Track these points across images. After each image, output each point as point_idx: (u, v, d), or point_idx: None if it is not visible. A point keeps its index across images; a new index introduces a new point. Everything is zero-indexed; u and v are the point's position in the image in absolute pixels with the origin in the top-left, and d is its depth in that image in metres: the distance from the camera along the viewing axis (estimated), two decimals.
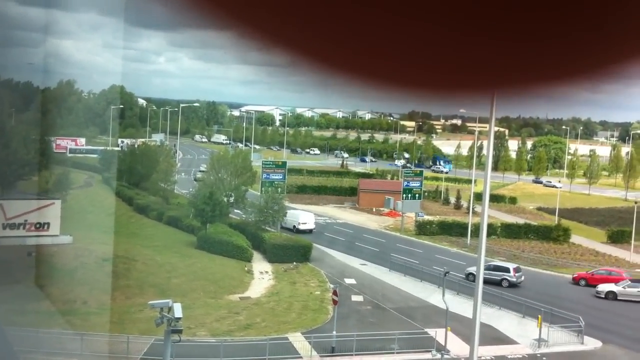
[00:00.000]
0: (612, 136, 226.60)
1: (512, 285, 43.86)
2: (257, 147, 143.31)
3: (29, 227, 42.94)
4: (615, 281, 43.94)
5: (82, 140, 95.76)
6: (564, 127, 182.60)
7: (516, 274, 44.85)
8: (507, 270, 45.27)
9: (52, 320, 31.31)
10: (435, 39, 0.96)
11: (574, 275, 47.67)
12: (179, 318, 22.18)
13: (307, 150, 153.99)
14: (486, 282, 32.58)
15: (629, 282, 43.38)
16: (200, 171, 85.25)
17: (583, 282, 46.26)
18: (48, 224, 42.95)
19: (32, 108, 79.03)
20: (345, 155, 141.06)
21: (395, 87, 1.11)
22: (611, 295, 42.58)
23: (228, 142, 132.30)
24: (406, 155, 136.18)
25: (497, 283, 43.32)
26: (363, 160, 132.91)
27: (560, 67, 1.02)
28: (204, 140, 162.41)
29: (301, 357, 30.62)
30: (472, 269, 40.56)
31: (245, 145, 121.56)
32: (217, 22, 1.14)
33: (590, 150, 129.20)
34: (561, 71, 1.03)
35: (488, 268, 41.10)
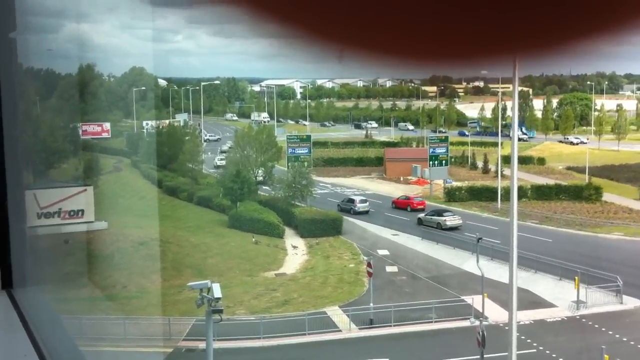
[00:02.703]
0: (638, 89, 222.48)
1: (358, 213, 54.76)
2: (290, 121, 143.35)
3: (63, 214, 43.45)
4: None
5: (107, 125, 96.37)
6: (588, 82, 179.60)
7: (359, 204, 56.17)
8: (353, 201, 57.26)
9: (93, 306, 31.90)
10: (451, 10, 0.96)
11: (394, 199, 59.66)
12: (219, 298, 22.47)
13: (331, 123, 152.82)
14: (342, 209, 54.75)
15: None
16: (220, 158, 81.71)
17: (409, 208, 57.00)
18: (82, 210, 43.33)
19: (55, 95, 79.72)
20: (375, 124, 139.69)
21: (412, 61, 1.07)
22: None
23: (267, 120, 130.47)
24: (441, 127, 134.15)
25: (348, 211, 55.08)
26: (403, 129, 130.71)
27: (582, 23, 1.01)
28: (235, 118, 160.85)
29: (340, 331, 30.91)
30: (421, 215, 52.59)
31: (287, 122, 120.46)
32: None
33: (617, 105, 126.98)
34: (584, 26, 1.01)
35: (343, 201, 57.84)
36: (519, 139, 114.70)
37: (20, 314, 4.11)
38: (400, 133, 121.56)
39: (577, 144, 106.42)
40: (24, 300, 4.34)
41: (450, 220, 50.25)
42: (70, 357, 3.97)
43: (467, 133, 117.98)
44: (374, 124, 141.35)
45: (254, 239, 46.49)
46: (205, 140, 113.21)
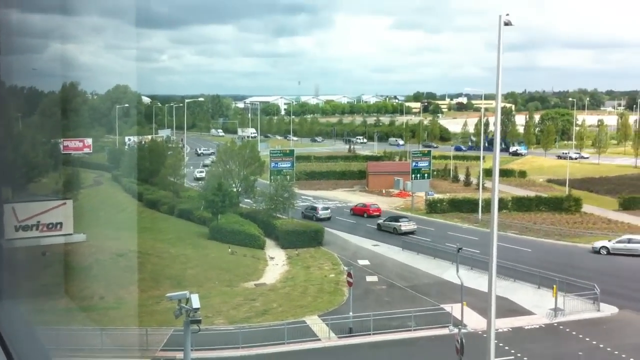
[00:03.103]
0: (620, 105, 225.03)
1: (320, 219, 57.36)
2: (279, 137, 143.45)
3: (41, 227, 43.26)
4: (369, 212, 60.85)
5: (89, 141, 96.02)
6: (570, 98, 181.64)
7: (321, 212, 59.45)
8: (315, 209, 60.38)
9: (71, 317, 31.59)
10: None
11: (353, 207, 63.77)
12: (197, 308, 22.33)
13: (318, 138, 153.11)
14: (305, 216, 58.41)
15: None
16: (199, 171, 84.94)
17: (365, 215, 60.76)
18: (61, 223, 43.25)
19: (37, 112, 79.35)
20: (363, 140, 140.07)
21: None
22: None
23: (254, 135, 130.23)
24: (435, 141, 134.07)
25: (310, 217, 58.25)
26: (393, 144, 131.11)
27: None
28: (221, 134, 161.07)
29: (320, 340, 30.79)
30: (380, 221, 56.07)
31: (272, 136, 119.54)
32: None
33: (598, 120, 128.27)
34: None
35: (307, 208, 60.85)
36: (516, 154, 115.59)
37: None
38: (391, 148, 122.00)
39: (577, 158, 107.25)
40: None
41: (405, 226, 53.56)
42: None
43: (463, 148, 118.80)
44: (363, 139, 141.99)
45: (229, 250, 46.44)
46: (199, 154, 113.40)
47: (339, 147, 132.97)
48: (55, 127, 70.13)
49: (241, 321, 32.53)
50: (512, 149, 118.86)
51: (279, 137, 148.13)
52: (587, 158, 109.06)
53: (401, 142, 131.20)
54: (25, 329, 4.55)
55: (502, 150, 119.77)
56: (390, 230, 53.53)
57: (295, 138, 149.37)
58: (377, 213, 60.16)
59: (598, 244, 47.06)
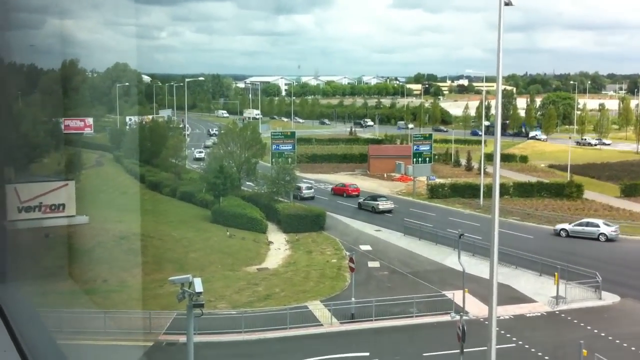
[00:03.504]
0: (621, 89, 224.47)
1: (304, 198, 59.46)
2: (285, 119, 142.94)
3: (44, 209, 43.19)
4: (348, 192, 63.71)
5: (90, 120, 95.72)
6: (571, 82, 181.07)
7: (305, 191, 61.09)
8: (299, 188, 60.88)
9: (74, 299, 31.69)
10: None
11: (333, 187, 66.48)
12: (200, 292, 22.38)
13: (326, 121, 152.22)
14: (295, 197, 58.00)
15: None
16: (199, 151, 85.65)
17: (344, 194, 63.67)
18: (63, 205, 43.15)
19: (37, 90, 79.05)
20: (370, 123, 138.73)
21: None
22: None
23: (260, 116, 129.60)
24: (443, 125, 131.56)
25: (295, 197, 58.75)
26: (402, 128, 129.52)
27: None
28: (225, 115, 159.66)
29: (322, 325, 30.92)
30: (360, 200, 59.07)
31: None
32: None
33: (600, 105, 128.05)
34: None
35: (296, 189, 59.84)
36: (535, 139, 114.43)
37: (0, 310, 4.08)
38: (393, 131, 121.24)
39: (596, 145, 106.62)
40: (3, 296, 4.30)
41: (382, 205, 56.71)
42: (49, 353, 3.96)
43: (479, 132, 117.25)
44: (370, 122, 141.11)
45: (228, 233, 46.47)
46: (211, 135, 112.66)
47: (343, 129, 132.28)
48: (56, 106, 69.88)
49: (244, 305, 32.65)
50: (531, 133, 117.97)
51: (285, 119, 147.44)
52: (609, 145, 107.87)
53: (411, 125, 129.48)
54: (30, 312, 4.55)
55: (520, 135, 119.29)
56: (369, 209, 56.56)
57: (301, 120, 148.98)
58: (356, 193, 63.16)
59: (559, 226, 48.90)
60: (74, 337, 27.38)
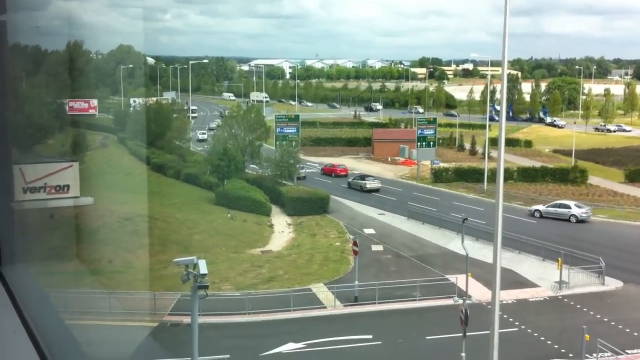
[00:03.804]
0: (627, 74, 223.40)
1: (299, 178, 60.16)
2: (292, 102, 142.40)
3: (49, 190, 43.26)
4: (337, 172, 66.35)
5: (95, 102, 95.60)
6: (577, 66, 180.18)
7: (370, 185, 60.74)
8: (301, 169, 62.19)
9: (79, 280, 31.89)
10: None
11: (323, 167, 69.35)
12: (205, 274, 22.48)
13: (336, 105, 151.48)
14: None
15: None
16: (202, 132, 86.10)
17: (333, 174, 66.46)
18: (68, 186, 43.16)
19: (42, 71, 78.88)
20: (379, 106, 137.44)
21: None
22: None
23: (267, 99, 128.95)
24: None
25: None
26: (413, 112, 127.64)
27: None
28: (232, 98, 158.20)
29: (325, 307, 31.09)
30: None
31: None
32: None
33: (605, 90, 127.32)
34: None
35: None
36: (554, 125, 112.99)
37: (9, 291, 4.11)
38: (397, 115, 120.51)
39: (615, 131, 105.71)
40: (12, 277, 4.33)
41: (369, 184, 59.52)
42: (58, 333, 3.99)
43: (496, 118, 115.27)
44: (379, 105, 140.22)
45: (229, 215, 46.60)
46: (221, 116, 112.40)
47: (348, 113, 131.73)
48: (60, 87, 69.78)
49: (248, 287, 32.84)
50: (548, 119, 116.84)
51: (292, 103, 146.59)
52: (630, 131, 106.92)
53: (421, 109, 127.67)
54: (39, 293, 4.60)
55: (539, 121, 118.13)
56: (357, 188, 59.32)
57: (309, 104, 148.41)
58: (344, 173, 66.32)
59: (534, 207, 50.31)
60: (80, 317, 27.62)
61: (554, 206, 49.29)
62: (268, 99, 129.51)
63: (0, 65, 4.66)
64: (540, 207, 49.68)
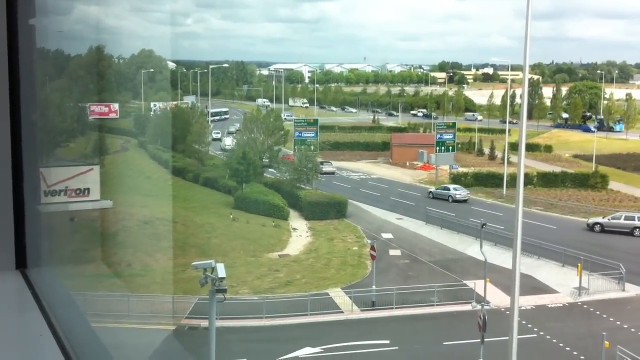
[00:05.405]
0: None
1: (325, 173, 63.22)
2: (334, 108, 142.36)
3: (70, 193, 43.69)
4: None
5: (116, 106, 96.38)
6: (598, 71, 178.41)
7: (326, 168, 64.98)
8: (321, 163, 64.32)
9: (99, 282, 32.17)
10: None
11: None
12: (223, 278, 22.58)
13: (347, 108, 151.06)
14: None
15: None
16: (228, 142, 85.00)
17: None
18: (88, 189, 43.58)
19: (64, 76, 79.41)
20: (422, 113, 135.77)
21: None
22: None
23: (307, 105, 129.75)
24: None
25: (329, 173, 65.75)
26: (427, 116, 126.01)
27: None
28: (267, 103, 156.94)
29: (342, 312, 31.10)
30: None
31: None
32: None
33: (627, 94, 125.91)
34: None
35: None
36: (611, 131, 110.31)
37: (35, 294, 4.16)
38: (415, 120, 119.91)
39: None
40: (38, 280, 4.38)
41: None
42: (84, 336, 4.04)
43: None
44: (422, 112, 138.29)
45: (231, 216, 46.74)
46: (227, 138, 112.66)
47: (366, 117, 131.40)
48: (82, 92, 70.45)
49: (265, 291, 32.96)
50: (618, 127, 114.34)
51: (334, 109, 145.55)
52: None
53: (477, 115, 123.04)
54: (65, 296, 4.65)
55: (608, 129, 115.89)
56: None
57: (334, 108, 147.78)
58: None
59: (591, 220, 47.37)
60: (100, 320, 27.86)
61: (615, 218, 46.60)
62: (307, 105, 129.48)
63: (29, 69, 4.74)
64: (600, 220, 46.82)
